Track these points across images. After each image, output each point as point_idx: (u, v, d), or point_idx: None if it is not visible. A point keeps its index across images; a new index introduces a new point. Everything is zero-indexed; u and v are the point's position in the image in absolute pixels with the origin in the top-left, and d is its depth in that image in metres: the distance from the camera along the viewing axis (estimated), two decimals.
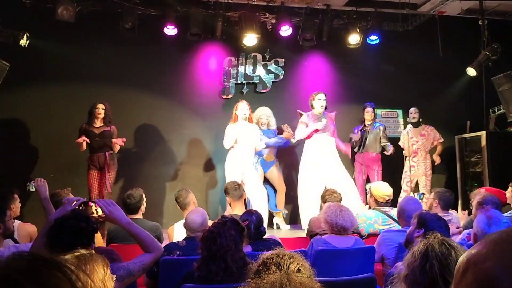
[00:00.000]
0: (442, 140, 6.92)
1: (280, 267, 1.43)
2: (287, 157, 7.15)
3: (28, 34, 6.00)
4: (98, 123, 5.87)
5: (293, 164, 6.95)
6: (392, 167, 6.94)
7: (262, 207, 5.68)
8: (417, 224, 2.66)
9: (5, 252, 2.61)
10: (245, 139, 5.88)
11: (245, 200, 6.06)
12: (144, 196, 4.06)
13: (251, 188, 5.80)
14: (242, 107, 5.93)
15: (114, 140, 5.78)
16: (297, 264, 1.46)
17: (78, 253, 1.52)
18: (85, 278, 0.71)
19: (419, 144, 6.80)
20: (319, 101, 6.06)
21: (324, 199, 4.34)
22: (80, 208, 2.36)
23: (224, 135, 5.95)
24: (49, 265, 0.68)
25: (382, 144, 6.65)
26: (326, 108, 6.16)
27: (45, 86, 6.66)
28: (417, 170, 6.75)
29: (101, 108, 5.85)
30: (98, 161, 5.83)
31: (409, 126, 6.71)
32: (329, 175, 5.85)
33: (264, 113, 6.63)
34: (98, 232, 3.58)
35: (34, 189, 3.03)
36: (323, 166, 5.89)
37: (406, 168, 6.80)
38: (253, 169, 5.98)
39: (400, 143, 6.99)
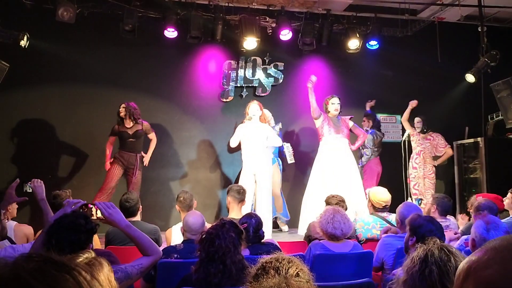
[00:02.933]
0: (448, 146, 6.93)
1: (279, 271, 1.42)
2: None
3: (28, 35, 6.01)
4: (129, 123, 5.92)
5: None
6: (392, 172, 6.95)
7: (267, 214, 5.60)
8: (409, 232, 2.65)
9: (1, 253, 2.60)
10: (250, 140, 5.82)
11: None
12: (139, 199, 4.08)
13: (260, 191, 5.74)
14: (252, 108, 5.89)
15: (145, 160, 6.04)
16: (296, 268, 1.45)
17: (83, 257, 1.49)
18: (93, 281, 0.71)
19: (422, 147, 6.84)
20: (333, 105, 6.04)
21: (327, 203, 4.33)
22: (81, 210, 2.36)
23: (237, 131, 5.95)
24: (58, 267, 0.68)
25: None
26: (340, 112, 6.18)
27: (44, 87, 6.65)
28: (419, 173, 6.78)
29: (121, 107, 5.92)
30: (128, 160, 5.85)
31: (408, 131, 6.78)
32: (340, 177, 5.82)
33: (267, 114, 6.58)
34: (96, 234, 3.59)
35: (30, 190, 3.00)
36: (336, 167, 5.86)
37: (410, 171, 6.83)
38: (265, 172, 5.90)
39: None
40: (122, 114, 5.90)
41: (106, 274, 1.42)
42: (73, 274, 0.68)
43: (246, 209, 4.97)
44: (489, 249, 0.69)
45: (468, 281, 0.68)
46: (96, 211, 2.36)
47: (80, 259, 1.46)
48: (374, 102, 7.01)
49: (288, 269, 1.42)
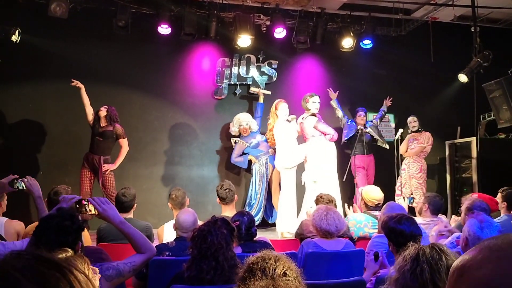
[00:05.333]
0: (424, 145, 6.89)
1: (265, 273, 1.40)
2: None
3: (20, 30, 5.95)
4: (104, 123, 5.89)
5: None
6: (385, 171, 6.97)
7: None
8: (387, 238, 2.66)
9: None
10: (292, 138, 5.95)
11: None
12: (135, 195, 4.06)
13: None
14: (283, 108, 5.97)
15: (106, 167, 5.81)
16: (283, 267, 1.43)
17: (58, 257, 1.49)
18: (84, 279, 0.69)
19: (411, 147, 6.90)
20: (314, 104, 6.04)
21: (317, 203, 4.35)
22: (76, 206, 2.35)
23: (279, 133, 5.93)
24: (48, 264, 0.67)
25: (379, 143, 6.82)
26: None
27: (36, 83, 6.60)
28: (407, 173, 6.82)
29: (103, 108, 5.89)
30: (92, 162, 5.81)
31: (401, 130, 6.79)
32: (327, 178, 5.84)
33: (244, 119, 6.69)
34: (86, 230, 3.58)
35: (21, 187, 2.96)
36: (324, 168, 5.89)
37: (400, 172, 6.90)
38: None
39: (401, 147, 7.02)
40: (102, 113, 5.85)
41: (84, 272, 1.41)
42: (63, 272, 0.66)
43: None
44: (483, 248, 0.68)
45: (462, 280, 0.67)
46: (89, 207, 2.36)
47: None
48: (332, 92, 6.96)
49: (275, 269, 1.40)
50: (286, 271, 1.41)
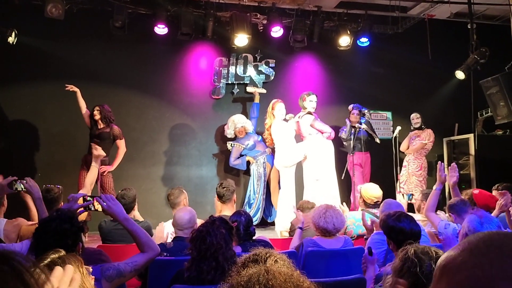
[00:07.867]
0: (425, 142, 6.90)
1: (257, 262, 1.42)
2: None
3: (16, 31, 5.94)
4: (101, 125, 5.90)
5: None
6: (383, 169, 6.97)
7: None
8: (386, 236, 2.66)
9: None
10: (292, 137, 6.05)
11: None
12: (136, 197, 4.08)
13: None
14: (280, 108, 6.03)
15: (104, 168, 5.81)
16: (274, 257, 1.46)
17: (49, 260, 1.49)
18: (41, 275, 0.69)
19: (413, 144, 6.89)
20: (310, 103, 6.06)
21: (301, 208, 4.38)
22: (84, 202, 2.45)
23: (277, 132, 6.02)
24: None
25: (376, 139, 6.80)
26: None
27: (33, 84, 6.58)
28: (408, 170, 6.81)
29: (95, 110, 5.86)
30: (90, 163, 5.81)
31: (398, 128, 6.78)
32: (326, 176, 5.87)
33: (238, 120, 6.65)
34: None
35: (21, 189, 2.96)
36: (323, 166, 5.91)
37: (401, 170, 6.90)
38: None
39: (403, 145, 7.00)
40: (96, 117, 5.85)
41: (76, 272, 1.42)
42: (12, 266, 0.66)
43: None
44: (465, 250, 0.67)
45: (442, 282, 0.67)
46: (95, 204, 2.45)
47: (46, 260, 1.47)
48: None
49: (266, 259, 1.42)
50: (277, 259, 1.43)
